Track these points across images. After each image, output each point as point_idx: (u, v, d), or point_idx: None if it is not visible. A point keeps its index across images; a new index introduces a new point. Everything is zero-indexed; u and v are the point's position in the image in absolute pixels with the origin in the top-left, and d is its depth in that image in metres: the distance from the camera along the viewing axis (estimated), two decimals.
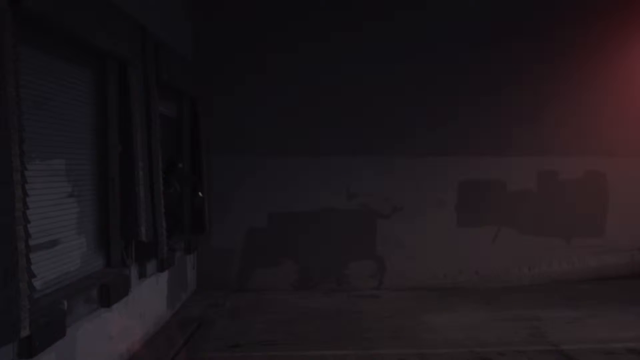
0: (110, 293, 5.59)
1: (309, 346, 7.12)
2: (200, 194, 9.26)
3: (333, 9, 10.24)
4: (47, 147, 4.95)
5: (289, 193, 10.31)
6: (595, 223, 10.70)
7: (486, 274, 10.47)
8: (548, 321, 7.98)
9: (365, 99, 10.33)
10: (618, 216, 10.77)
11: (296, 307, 9.06)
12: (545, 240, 10.49)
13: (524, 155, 10.64)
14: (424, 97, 10.38)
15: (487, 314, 8.52)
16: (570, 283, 10.18)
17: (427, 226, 10.38)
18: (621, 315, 8.12)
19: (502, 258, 10.44)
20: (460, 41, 10.27)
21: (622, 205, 10.77)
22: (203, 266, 10.24)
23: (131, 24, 6.28)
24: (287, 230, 10.38)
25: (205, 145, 9.48)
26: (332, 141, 10.33)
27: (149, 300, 7.34)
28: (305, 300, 9.52)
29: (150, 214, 6.62)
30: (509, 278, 10.43)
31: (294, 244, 10.37)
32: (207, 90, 9.78)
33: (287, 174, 10.34)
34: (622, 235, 10.41)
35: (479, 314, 8.52)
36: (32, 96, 4.60)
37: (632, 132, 10.83)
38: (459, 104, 10.40)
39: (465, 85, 10.42)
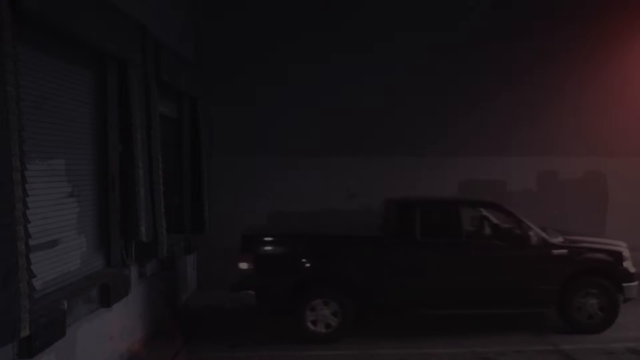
0: (110, 293, 5.58)
1: (309, 346, 7.12)
2: None
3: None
4: (47, 147, 4.94)
5: (289, 193, 10.31)
6: (595, 223, 10.68)
7: None
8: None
9: (365, 101, 10.35)
10: (618, 216, 10.77)
11: None
12: None
13: (524, 155, 10.65)
14: (424, 98, 10.38)
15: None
16: None
17: None
18: (621, 315, 8.11)
19: None
20: (458, 42, 10.27)
21: (622, 205, 10.77)
22: (203, 266, 10.23)
23: (131, 24, 6.28)
24: None
25: (205, 145, 9.47)
26: (332, 141, 10.33)
27: (149, 300, 7.33)
28: None
29: (150, 214, 6.61)
30: None
31: None
32: (207, 93, 9.78)
33: (288, 174, 10.34)
34: (622, 236, 10.36)
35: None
36: (32, 96, 4.60)
37: (632, 132, 10.84)
38: (459, 105, 10.41)
39: (465, 85, 10.42)
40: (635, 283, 7.66)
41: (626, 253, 7.76)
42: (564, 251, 7.55)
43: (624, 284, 7.56)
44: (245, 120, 10.33)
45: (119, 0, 5.86)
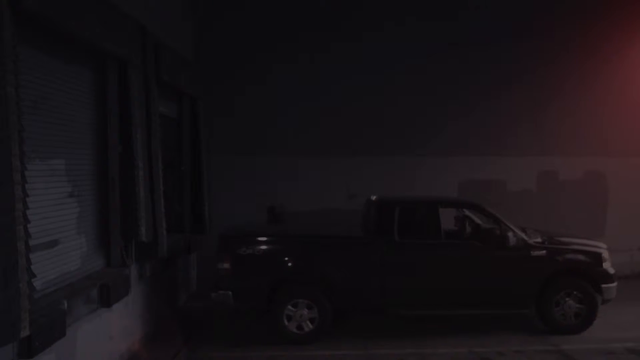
0: (110, 293, 5.59)
1: (308, 345, 7.12)
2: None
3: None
4: (47, 147, 4.95)
5: (289, 193, 10.31)
6: (595, 223, 10.71)
7: None
8: None
9: (366, 101, 10.36)
10: (618, 216, 10.78)
11: None
12: None
13: (524, 155, 10.66)
14: (424, 98, 10.39)
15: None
16: None
17: None
18: (621, 315, 8.12)
19: None
20: (458, 42, 10.28)
21: (622, 205, 10.78)
22: (203, 266, 10.23)
23: (131, 24, 6.28)
24: None
25: (205, 145, 9.47)
26: (332, 141, 10.33)
27: (149, 300, 7.34)
28: None
29: (150, 214, 6.62)
30: None
31: None
32: (207, 93, 9.77)
33: (288, 174, 10.34)
34: (622, 235, 10.41)
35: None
36: (32, 96, 4.60)
37: (632, 132, 10.85)
38: (459, 104, 10.41)
39: (465, 85, 10.42)
40: (615, 284, 7.65)
41: (606, 254, 7.76)
42: (543, 252, 7.54)
43: (603, 285, 7.55)
44: (245, 120, 10.33)
45: (119, 0, 5.86)
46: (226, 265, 7.20)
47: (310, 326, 7.23)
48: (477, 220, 8.12)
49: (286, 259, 7.37)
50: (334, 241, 7.74)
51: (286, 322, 7.21)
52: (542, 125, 10.65)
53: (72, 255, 5.41)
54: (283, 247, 7.57)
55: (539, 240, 7.70)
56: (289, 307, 7.20)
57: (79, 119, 5.64)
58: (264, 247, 7.54)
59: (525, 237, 7.57)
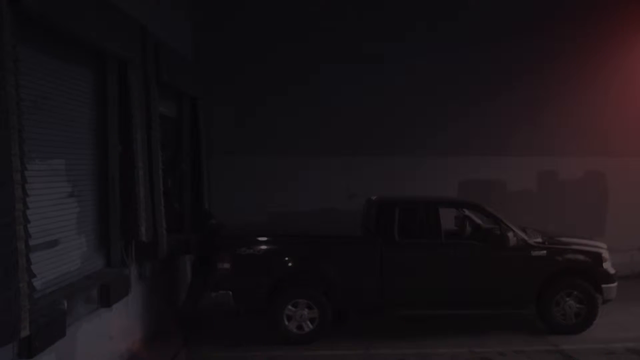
0: (110, 293, 5.59)
1: (308, 346, 7.12)
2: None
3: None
4: (47, 147, 4.95)
5: (289, 193, 10.31)
6: (595, 223, 10.70)
7: None
8: None
9: (365, 101, 10.36)
10: (618, 216, 10.78)
11: None
12: None
13: (524, 155, 10.65)
14: (424, 98, 10.38)
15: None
16: None
17: None
18: (621, 315, 8.12)
19: None
20: (458, 42, 10.28)
21: (622, 205, 10.78)
22: None
23: (131, 24, 6.27)
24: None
25: (205, 145, 9.46)
26: (332, 141, 10.33)
27: (149, 300, 7.33)
28: None
29: (150, 214, 6.62)
30: None
31: None
32: (207, 93, 9.77)
33: (288, 174, 10.34)
34: (622, 235, 10.40)
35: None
36: (32, 96, 4.60)
37: (632, 132, 10.85)
38: (459, 104, 10.40)
39: (465, 85, 10.42)
40: (615, 284, 7.66)
41: (606, 254, 7.76)
42: (543, 252, 7.56)
43: (603, 285, 7.57)
44: (245, 120, 10.32)
45: (119, 0, 5.86)
46: (226, 265, 7.20)
47: (310, 326, 7.23)
48: (477, 220, 8.12)
49: (286, 259, 7.37)
50: (333, 241, 7.74)
51: (286, 322, 7.21)
52: (542, 125, 10.64)
53: (72, 255, 5.40)
54: (283, 247, 7.57)
55: (539, 240, 7.70)
56: (289, 307, 7.21)
57: (79, 119, 5.63)
58: (264, 247, 7.55)
59: (525, 237, 7.57)
